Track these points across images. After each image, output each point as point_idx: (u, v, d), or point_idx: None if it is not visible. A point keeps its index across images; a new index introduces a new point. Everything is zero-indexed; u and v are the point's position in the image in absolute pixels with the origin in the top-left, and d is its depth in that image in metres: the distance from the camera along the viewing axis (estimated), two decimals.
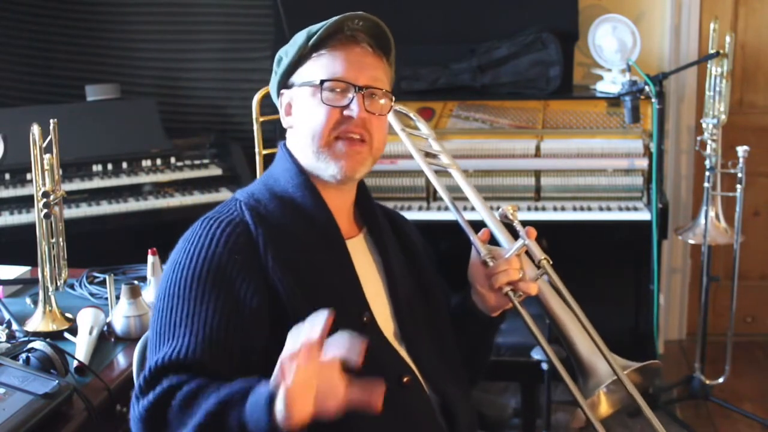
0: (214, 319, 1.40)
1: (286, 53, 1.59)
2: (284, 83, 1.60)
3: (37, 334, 1.89)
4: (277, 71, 1.61)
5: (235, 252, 1.46)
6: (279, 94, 1.62)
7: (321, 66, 1.54)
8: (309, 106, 1.55)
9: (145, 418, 1.34)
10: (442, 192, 1.70)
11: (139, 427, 1.35)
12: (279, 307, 1.45)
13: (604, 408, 1.59)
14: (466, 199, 1.71)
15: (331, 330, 1.46)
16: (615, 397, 1.57)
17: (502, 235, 1.61)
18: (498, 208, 1.60)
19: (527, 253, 1.57)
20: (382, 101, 1.57)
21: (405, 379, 1.52)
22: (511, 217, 1.58)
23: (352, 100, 1.53)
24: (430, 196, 3.44)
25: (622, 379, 1.47)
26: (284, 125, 1.63)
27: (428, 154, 1.78)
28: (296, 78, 1.58)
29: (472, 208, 1.68)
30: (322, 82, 1.53)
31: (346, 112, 1.53)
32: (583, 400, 1.47)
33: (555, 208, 3.37)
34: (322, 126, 1.53)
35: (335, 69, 1.53)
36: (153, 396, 1.34)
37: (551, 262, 1.53)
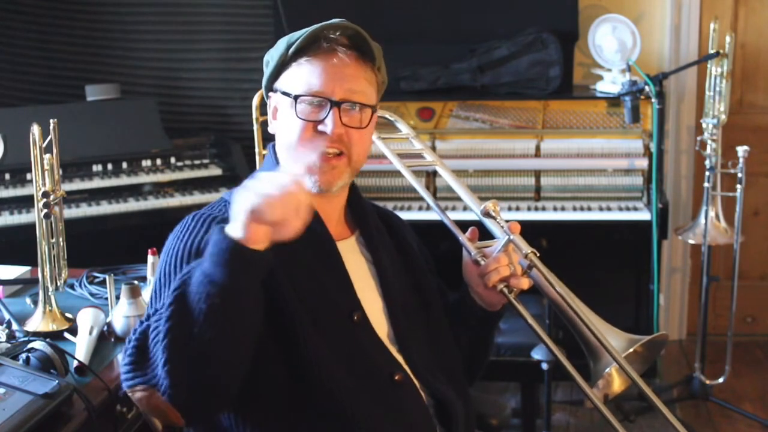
0: None
1: (272, 57, 1.58)
2: (270, 87, 1.60)
3: (37, 334, 1.89)
4: (265, 74, 1.60)
5: None
6: (267, 96, 1.62)
7: (299, 76, 1.52)
8: (286, 118, 1.54)
9: (129, 363, 1.34)
10: (423, 193, 1.70)
11: (127, 375, 1.35)
12: (268, 299, 1.44)
13: (618, 384, 1.60)
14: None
15: (323, 328, 1.47)
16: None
17: (497, 228, 1.61)
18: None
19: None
20: (362, 113, 1.54)
21: (397, 377, 1.52)
22: (493, 213, 1.58)
23: (327, 114, 1.50)
24: None
25: (623, 366, 1.47)
26: (269, 130, 1.62)
27: (412, 155, 1.78)
28: (279, 83, 1.57)
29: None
30: (296, 97, 1.51)
31: (320, 127, 1.51)
32: (587, 387, 1.47)
33: (555, 208, 3.37)
34: (296, 140, 1.52)
35: (312, 81, 1.51)
36: (133, 340, 1.35)
37: (538, 255, 1.53)
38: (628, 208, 3.36)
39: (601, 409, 1.44)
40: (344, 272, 1.56)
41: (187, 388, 1.30)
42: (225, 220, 1.48)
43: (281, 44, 1.55)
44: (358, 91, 1.53)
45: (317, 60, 1.52)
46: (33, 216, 2.30)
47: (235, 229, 1.26)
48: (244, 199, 1.25)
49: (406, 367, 1.55)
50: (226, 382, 1.34)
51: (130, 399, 1.76)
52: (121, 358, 1.37)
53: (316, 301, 1.49)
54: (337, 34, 1.52)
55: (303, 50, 1.52)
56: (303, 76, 1.52)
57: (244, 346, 1.33)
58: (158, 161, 3.54)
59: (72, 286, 2.25)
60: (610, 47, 3.56)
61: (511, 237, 1.53)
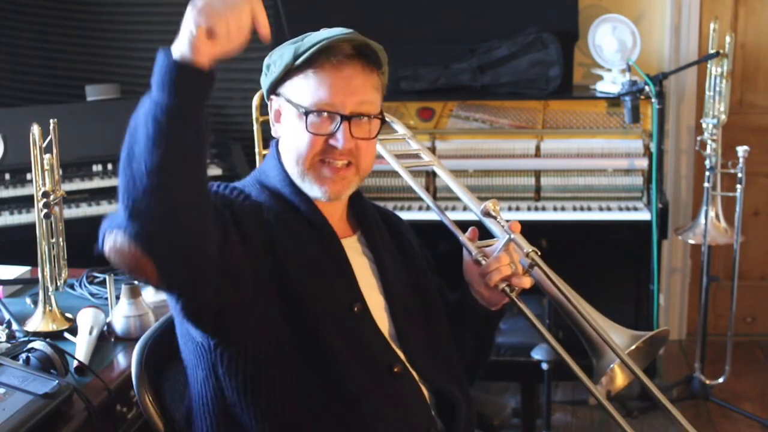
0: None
1: (274, 63, 1.56)
2: (273, 90, 1.59)
3: (37, 334, 1.89)
4: (266, 77, 1.59)
5: (244, 206, 1.49)
6: (269, 99, 1.61)
7: (307, 88, 1.51)
8: (295, 128, 1.53)
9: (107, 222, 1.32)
10: (421, 193, 1.70)
11: (103, 235, 1.33)
12: (271, 269, 1.46)
13: (620, 380, 1.60)
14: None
15: (323, 319, 1.48)
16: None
17: (497, 228, 1.61)
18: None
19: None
20: (371, 124, 1.54)
21: (396, 369, 1.53)
22: (493, 213, 1.58)
23: (337, 128, 1.50)
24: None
25: (626, 362, 1.47)
26: (273, 133, 1.62)
27: (410, 155, 1.79)
28: (284, 90, 1.56)
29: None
30: (307, 112, 1.50)
31: (331, 141, 1.51)
32: (591, 384, 1.47)
33: (555, 208, 3.37)
34: (305, 153, 1.52)
35: (321, 95, 1.50)
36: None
37: (539, 253, 1.53)
38: (628, 208, 3.36)
39: (605, 406, 1.45)
40: (348, 266, 1.57)
41: (147, 225, 1.25)
42: (243, 192, 1.51)
43: (288, 52, 1.53)
44: (366, 102, 1.53)
45: (325, 73, 1.51)
46: (33, 216, 2.30)
47: (181, 46, 1.24)
48: (196, 13, 1.22)
49: (406, 363, 1.56)
50: (185, 221, 1.28)
51: (130, 399, 1.77)
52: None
53: (318, 290, 1.50)
54: (345, 47, 1.51)
55: (310, 61, 1.51)
56: (311, 88, 1.51)
57: (196, 179, 1.30)
58: None
59: (72, 286, 2.25)
60: (610, 47, 3.57)
61: (512, 236, 1.54)
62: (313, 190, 1.54)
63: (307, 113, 1.50)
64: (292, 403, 1.46)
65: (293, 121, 1.54)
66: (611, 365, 1.55)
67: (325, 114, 1.50)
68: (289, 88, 1.55)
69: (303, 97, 1.52)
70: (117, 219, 1.28)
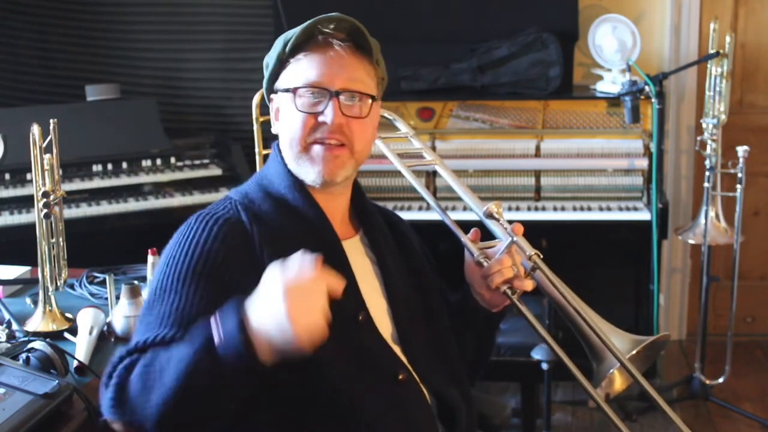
0: (206, 312, 1.37)
1: (270, 59, 1.59)
2: (271, 89, 1.61)
3: (37, 334, 1.88)
4: (265, 77, 1.61)
5: (231, 248, 1.46)
6: (269, 100, 1.63)
7: (298, 71, 1.54)
8: (288, 113, 1.55)
9: (111, 399, 1.33)
10: (425, 194, 1.70)
11: (109, 411, 1.34)
12: None
13: (619, 383, 1.60)
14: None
15: (327, 327, 1.47)
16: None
17: (499, 230, 1.61)
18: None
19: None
20: (362, 103, 1.55)
21: (400, 377, 1.52)
22: (496, 215, 1.57)
23: (327, 105, 1.51)
24: None
25: (628, 368, 1.47)
26: (273, 131, 1.63)
27: (412, 155, 1.79)
28: (279, 84, 1.58)
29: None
30: (295, 89, 1.53)
31: (321, 118, 1.52)
32: (591, 387, 1.47)
33: (555, 208, 3.37)
34: (297, 133, 1.53)
35: (310, 74, 1.52)
36: (116, 377, 1.34)
37: (542, 256, 1.53)
38: (628, 208, 3.36)
39: (605, 409, 1.45)
40: (349, 272, 1.56)
41: None
42: (234, 222, 1.50)
43: (278, 44, 1.57)
44: (356, 80, 1.54)
45: (314, 54, 1.53)
46: (33, 216, 2.30)
47: (295, 342, 1.27)
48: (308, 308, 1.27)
49: (409, 366, 1.56)
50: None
51: None
52: (102, 388, 1.37)
53: None
54: (332, 27, 1.53)
55: (300, 46, 1.54)
56: (301, 70, 1.53)
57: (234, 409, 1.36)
58: (158, 161, 3.54)
59: (72, 286, 2.25)
60: (610, 47, 3.57)
61: (515, 239, 1.53)
62: (308, 173, 1.54)
63: (296, 91, 1.52)
64: (294, 420, 1.45)
65: (288, 108, 1.55)
66: (611, 370, 1.54)
67: (315, 92, 1.52)
68: (282, 78, 1.57)
69: (294, 80, 1.54)
70: (130, 416, 1.32)
